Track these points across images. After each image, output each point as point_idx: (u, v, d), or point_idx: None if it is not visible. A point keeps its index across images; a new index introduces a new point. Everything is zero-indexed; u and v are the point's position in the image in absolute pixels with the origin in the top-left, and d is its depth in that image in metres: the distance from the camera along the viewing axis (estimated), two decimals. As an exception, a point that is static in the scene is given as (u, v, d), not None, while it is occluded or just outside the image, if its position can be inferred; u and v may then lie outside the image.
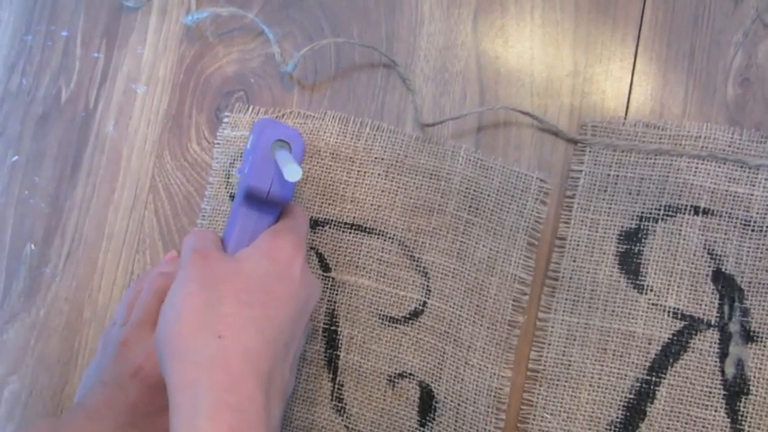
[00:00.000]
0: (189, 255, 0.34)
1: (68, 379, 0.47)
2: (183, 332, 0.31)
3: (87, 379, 0.42)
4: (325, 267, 0.44)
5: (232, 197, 0.46)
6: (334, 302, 0.43)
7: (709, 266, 0.40)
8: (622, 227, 0.41)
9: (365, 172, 0.44)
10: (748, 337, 0.39)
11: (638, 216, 0.41)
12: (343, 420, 0.42)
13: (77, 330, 0.48)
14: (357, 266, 0.43)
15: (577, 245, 0.42)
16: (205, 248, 0.34)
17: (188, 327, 0.31)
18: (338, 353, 0.43)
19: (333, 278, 0.43)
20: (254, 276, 0.33)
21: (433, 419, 0.41)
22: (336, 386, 0.42)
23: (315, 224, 0.44)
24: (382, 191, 0.44)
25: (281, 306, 0.33)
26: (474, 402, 0.41)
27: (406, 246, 0.43)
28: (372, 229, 0.43)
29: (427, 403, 0.41)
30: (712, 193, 0.40)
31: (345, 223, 0.44)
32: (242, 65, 0.48)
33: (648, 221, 0.41)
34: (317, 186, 0.44)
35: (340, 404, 0.42)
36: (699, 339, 0.40)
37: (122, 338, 0.40)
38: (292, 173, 0.32)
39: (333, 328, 0.43)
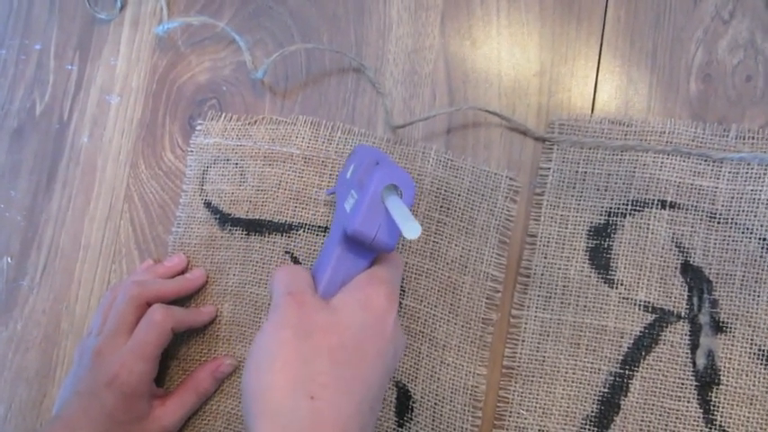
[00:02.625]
0: (284, 297, 0.33)
1: (47, 391, 0.47)
2: (274, 387, 0.29)
3: (64, 390, 0.42)
4: (301, 271, 0.44)
5: (207, 204, 0.46)
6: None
7: (678, 259, 0.41)
8: (591, 222, 0.42)
9: (338, 175, 0.44)
10: (718, 327, 0.40)
11: (606, 211, 0.42)
12: (321, 423, 0.42)
13: (55, 342, 0.48)
14: (332, 269, 0.43)
15: (548, 241, 0.42)
16: (301, 292, 0.33)
17: (280, 382, 0.30)
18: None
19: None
20: (349, 329, 0.32)
21: (411, 419, 0.41)
22: (314, 389, 0.43)
23: (289, 228, 0.44)
24: (355, 194, 0.44)
25: (373, 366, 0.32)
26: (451, 401, 0.41)
27: (379, 247, 0.43)
28: (346, 231, 0.44)
29: (404, 404, 0.42)
30: (678, 186, 0.41)
31: (319, 226, 0.44)
32: (214, 73, 0.48)
33: (617, 216, 0.42)
34: (290, 191, 0.45)
35: (318, 407, 0.42)
36: (670, 331, 0.40)
37: (97, 348, 0.40)
38: (411, 230, 0.30)
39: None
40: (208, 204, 0.46)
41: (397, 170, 0.34)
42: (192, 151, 0.47)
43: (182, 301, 0.45)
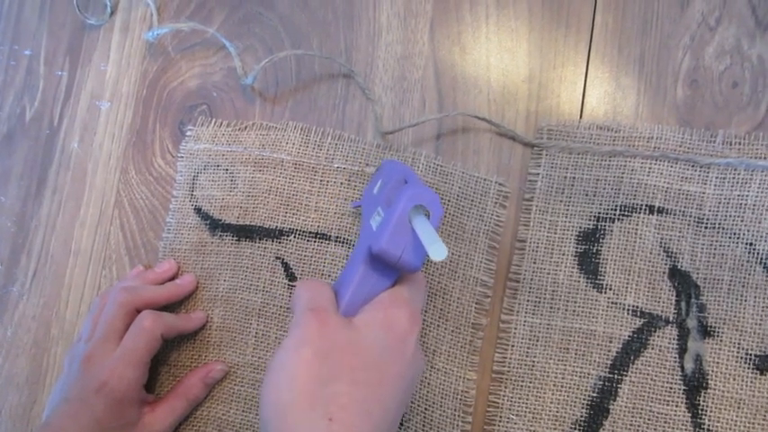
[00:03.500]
0: (305, 313, 0.33)
1: (37, 397, 0.47)
2: (293, 406, 0.30)
3: (54, 396, 0.42)
4: (291, 277, 0.44)
5: (197, 210, 0.46)
6: (300, 311, 0.43)
7: (666, 264, 0.41)
8: (580, 228, 0.42)
9: (328, 181, 0.45)
10: (705, 332, 0.40)
11: (595, 217, 0.42)
12: (311, 429, 0.42)
13: (45, 348, 0.48)
14: (322, 274, 0.44)
15: (537, 246, 0.42)
16: (323, 309, 0.33)
17: (299, 402, 0.30)
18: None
19: (298, 287, 0.44)
20: (370, 350, 0.32)
21: (401, 424, 0.41)
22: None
23: (279, 234, 0.44)
24: (345, 199, 0.44)
25: (392, 388, 0.32)
26: (441, 406, 0.41)
27: (368, 253, 0.43)
28: (336, 237, 0.44)
29: (394, 409, 0.42)
30: (666, 192, 0.41)
31: (310, 232, 0.44)
32: (204, 79, 0.48)
33: (605, 222, 0.42)
34: (280, 197, 0.45)
35: (308, 413, 0.42)
36: (658, 336, 0.41)
37: (86, 354, 0.40)
38: (438, 252, 0.30)
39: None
40: (198, 210, 0.46)
41: (426, 190, 0.34)
42: (182, 157, 0.47)
43: (172, 306, 0.45)
